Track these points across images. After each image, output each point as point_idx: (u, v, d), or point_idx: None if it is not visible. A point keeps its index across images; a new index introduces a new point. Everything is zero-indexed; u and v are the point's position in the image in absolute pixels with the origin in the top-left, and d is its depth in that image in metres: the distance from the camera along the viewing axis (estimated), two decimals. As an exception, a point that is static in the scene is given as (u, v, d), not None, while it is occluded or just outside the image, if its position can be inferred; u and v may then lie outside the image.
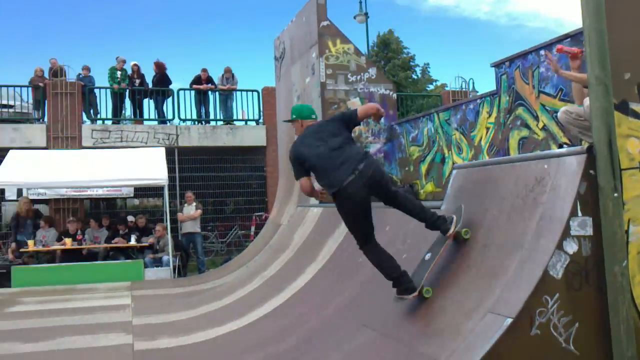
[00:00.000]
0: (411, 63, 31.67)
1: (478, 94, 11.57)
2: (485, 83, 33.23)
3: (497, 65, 8.44)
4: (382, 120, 11.43)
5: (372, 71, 11.69)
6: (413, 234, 5.98)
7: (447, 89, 21.82)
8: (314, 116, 5.62)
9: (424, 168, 10.42)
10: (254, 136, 16.98)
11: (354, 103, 11.41)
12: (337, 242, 7.72)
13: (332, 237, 7.96)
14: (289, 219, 11.14)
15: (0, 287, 11.51)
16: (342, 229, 7.73)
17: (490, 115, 8.71)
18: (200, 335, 6.92)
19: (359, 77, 11.49)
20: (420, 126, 10.62)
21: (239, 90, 17.35)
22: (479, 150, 8.91)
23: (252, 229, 16.04)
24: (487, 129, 8.77)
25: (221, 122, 17.17)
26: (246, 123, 17.43)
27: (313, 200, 10.73)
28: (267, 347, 6.01)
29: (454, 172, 5.82)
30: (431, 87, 31.97)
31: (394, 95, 11.97)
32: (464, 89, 18.36)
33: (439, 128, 10.04)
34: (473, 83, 19.29)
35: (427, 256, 5.13)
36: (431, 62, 39.00)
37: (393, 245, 6.14)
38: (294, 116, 5.56)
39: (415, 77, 31.90)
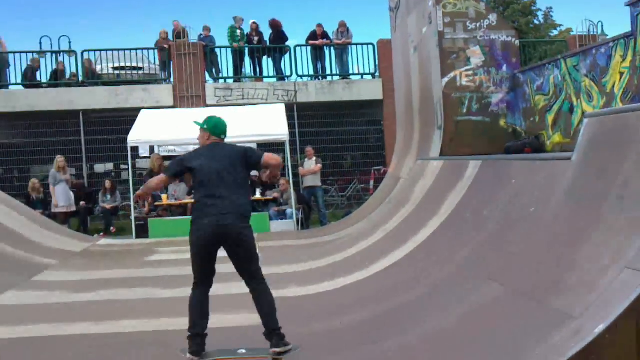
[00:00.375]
0: (532, 7, 29.90)
1: (608, 37, 10.80)
2: (617, 26, 30.71)
3: (633, 4, 7.82)
4: (505, 68, 11.03)
5: (493, 17, 11.20)
6: (540, 187, 5.78)
7: (572, 34, 20.51)
8: (223, 136, 5.42)
9: (550, 118, 9.96)
10: (371, 90, 16.92)
11: (474, 52, 11.03)
12: (459, 195, 7.61)
13: (454, 191, 7.84)
14: (409, 173, 11.09)
15: (138, 237, 12.43)
16: (465, 182, 7.62)
17: (624, 60, 8.13)
18: (326, 285, 7.14)
19: (478, 25, 11.06)
20: (546, 74, 10.11)
21: (354, 44, 17.28)
22: (611, 98, 8.38)
23: (371, 182, 16.14)
24: (621, 74, 8.20)
25: (337, 77, 17.24)
26: (362, 77, 17.37)
27: (434, 153, 10.62)
28: (392, 298, 6.10)
29: (585, 121, 5.51)
30: (555, 32, 30.07)
31: (517, 42, 11.44)
32: (592, 33, 17.19)
33: (567, 75, 9.51)
34: (602, 26, 17.91)
35: (241, 352, 5.01)
36: (554, 5, 36.58)
37: (519, 199, 5.99)
38: (205, 127, 5.35)
39: (537, 22, 30.10)
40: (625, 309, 3.63)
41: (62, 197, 13.16)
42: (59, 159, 13.34)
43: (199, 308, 5.05)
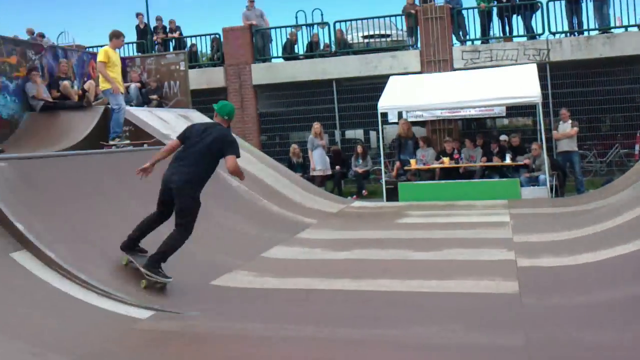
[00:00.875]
0: None
1: None
2: None
3: None
4: None
5: None
6: None
7: None
8: (226, 117, 6.40)
9: None
10: (636, 44, 15.13)
11: None
12: None
13: None
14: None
15: (389, 200, 12.85)
16: None
17: None
18: (585, 257, 6.69)
19: None
20: None
21: (615, -7, 15.58)
22: None
23: (637, 147, 14.59)
24: None
25: (596, 32, 15.75)
26: (626, 30, 15.64)
27: None
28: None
29: None
30: None
31: None
32: None
33: None
34: None
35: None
36: None
37: None
38: (215, 107, 6.44)
39: None
40: None
41: (319, 161, 14.17)
42: (316, 126, 14.30)
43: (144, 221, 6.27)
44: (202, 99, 15.98)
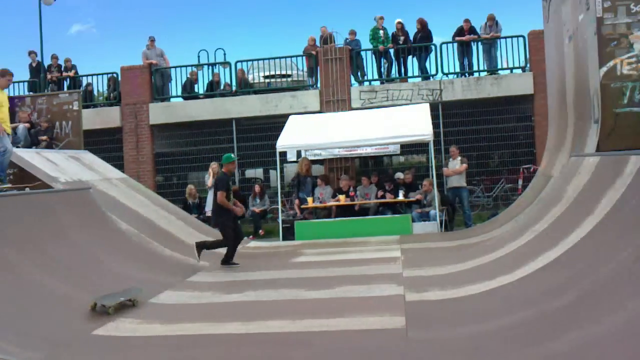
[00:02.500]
0: None
1: None
2: None
3: None
4: None
5: (660, -2, 10.20)
6: None
7: None
8: (222, 163, 10.19)
9: None
10: (521, 84, 16.13)
11: (638, 37, 10.11)
12: (617, 193, 6.98)
13: (612, 189, 7.21)
14: (561, 170, 10.42)
15: (285, 239, 12.81)
16: (625, 179, 6.99)
17: None
18: (470, 289, 6.89)
19: (644, 6, 10.12)
20: None
21: (503, 37, 16.60)
22: None
23: (520, 182, 15.40)
24: None
25: (485, 73, 16.65)
26: (511, 71, 16.64)
27: (589, 149, 9.88)
28: (541, 303, 5.74)
29: None
30: None
31: (687, 23, 10.32)
32: None
33: None
34: None
35: None
36: None
37: None
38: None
39: None
40: None
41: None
42: (213, 165, 14.14)
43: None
44: (96, 139, 15.54)
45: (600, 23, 9.98)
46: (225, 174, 9.93)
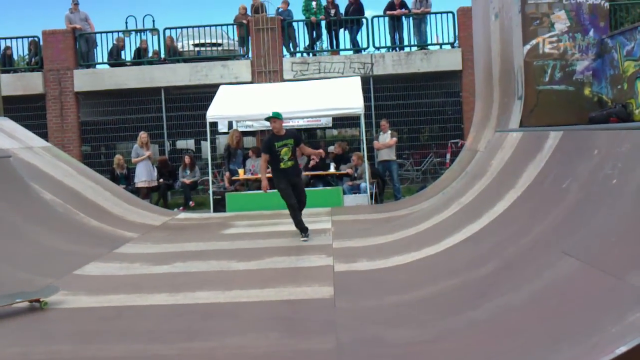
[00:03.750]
0: (628, -33, 28.04)
1: None
2: None
3: None
4: (591, 33, 10.40)
5: (581, -21, 10.56)
6: (625, 158, 5.43)
7: (672, -6, 19.10)
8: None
9: (640, 85, 9.34)
10: (449, 60, 16.45)
11: (559, 16, 10.45)
12: (538, 167, 7.28)
13: (532, 163, 7.52)
14: (486, 145, 10.75)
15: (216, 211, 12.71)
16: (544, 154, 7.29)
17: None
18: (397, 259, 7.07)
19: (565, -13, 10.45)
20: (638, 37, 9.46)
21: (433, 13, 16.83)
22: None
23: (448, 156, 15.80)
24: None
25: (415, 48, 16.87)
26: (441, 47, 16.92)
27: (513, 124, 10.22)
28: (464, 273, 5.96)
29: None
30: (652, -6, 28.09)
31: (606, 5, 10.74)
32: (692, -7, 15.98)
33: (661, 39, 8.87)
34: None
35: None
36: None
37: (601, 171, 5.65)
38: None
39: (633, -17, 28.20)
40: None
41: (144, 172, 13.61)
42: (142, 135, 13.79)
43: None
44: (17, 106, 14.89)
45: (524, 2, 10.27)
46: (271, 134, 9.19)
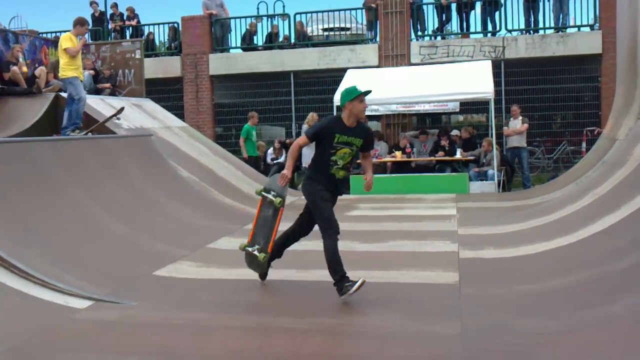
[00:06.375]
0: None
1: None
2: None
3: None
4: None
5: None
6: None
7: None
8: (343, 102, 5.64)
9: None
10: (588, 43, 15.50)
11: None
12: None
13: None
14: (627, 133, 10.10)
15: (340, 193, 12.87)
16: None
17: None
18: (526, 249, 6.86)
19: None
20: None
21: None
22: None
23: (583, 144, 14.98)
24: None
25: (551, 31, 16.08)
26: (579, 29, 16.01)
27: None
28: (599, 266, 5.68)
29: None
30: None
31: None
32: None
33: None
34: None
35: None
36: None
37: None
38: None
39: None
40: None
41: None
42: (315, 116, 13.92)
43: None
44: (157, 89, 15.83)
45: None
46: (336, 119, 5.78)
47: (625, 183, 7.93)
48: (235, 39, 18.03)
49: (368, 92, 5.62)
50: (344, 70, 14.89)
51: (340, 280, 5.32)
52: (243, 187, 11.26)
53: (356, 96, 5.51)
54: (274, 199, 5.82)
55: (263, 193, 5.96)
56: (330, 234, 5.50)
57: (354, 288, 5.21)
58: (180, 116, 15.51)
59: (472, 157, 13.09)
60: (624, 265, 5.40)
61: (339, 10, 17.39)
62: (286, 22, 17.81)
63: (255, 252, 5.84)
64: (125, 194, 8.13)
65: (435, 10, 16.70)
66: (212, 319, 5.00)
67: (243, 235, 8.30)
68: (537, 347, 4.23)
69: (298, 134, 17.16)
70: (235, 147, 15.86)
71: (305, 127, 14.10)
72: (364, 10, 17.31)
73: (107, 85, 13.28)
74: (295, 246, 7.62)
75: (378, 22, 16.68)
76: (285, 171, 5.69)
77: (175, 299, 5.61)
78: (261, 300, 5.59)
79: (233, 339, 4.58)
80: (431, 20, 16.84)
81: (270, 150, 15.01)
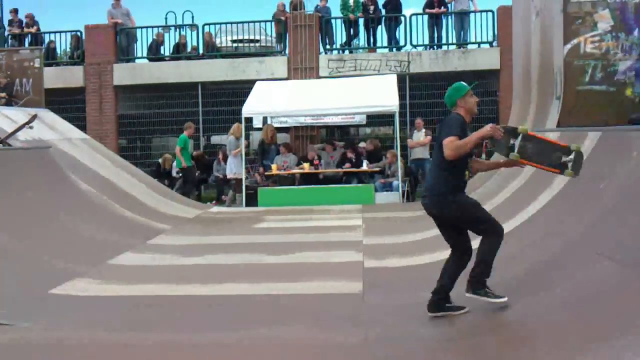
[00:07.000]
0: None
1: None
2: None
3: None
4: (636, 33, 10.12)
5: (627, -23, 10.30)
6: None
7: None
8: (451, 107, 5.21)
9: (684, 86, 9.10)
10: (488, 59, 16.21)
11: (602, 16, 10.21)
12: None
13: (569, 163, 7.40)
14: (523, 145, 10.58)
15: (248, 205, 12.80)
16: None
17: None
18: (429, 257, 7.00)
19: (609, -15, 10.22)
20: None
21: (472, 11, 16.62)
22: None
23: (483, 156, 15.55)
24: None
25: (453, 47, 16.70)
26: (479, 46, 16.72)
27: (550, 125, 10.05)
28: (495, 271, 5.87)
29: None
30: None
31: (654, 3, 10.46)
32: None
33: None
34: None
35: None
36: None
37: (639, 173, 5.54)
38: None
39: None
40: None
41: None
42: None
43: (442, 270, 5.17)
44: (58, 99, 15.20)
45: (567, 1, 10.06)
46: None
47: (520, 193, 8.30)
48: (141, 48, 17.58)
49: (475, 84, 5.31)
50: (253, 82, 14.84)
51: (484, 283, 4.90)
52: (147, 200, 10.95)
53: (467, 91, 5.15)
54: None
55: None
56: (499, 235, 5.00)
57: (497, 301, 4.82)
58: (82, 128, 14.92)
59: (377, 169, 13.35)
60: (517, 272, 5.63)
61: (249, 22, 17.35)
62: (195, 32, 17.56)
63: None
64: (21, 210, 7.70)
65: (343, 25, 16.96)
66: (110, 339, 4.79)
67: (145, 250, 8.09)
68: (440, 353, 4.32)
69: (207, 146, 16.97)
70: (140, 159, 15.45)
71: (231, 138, 13.96)
72: (273, 23, 17.36)
73: (3, 94, 12.62)
74: (201, 260, 7.53)
75: (287, 34, 16.76)
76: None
77: (72, 319, 5.34)
78: (163, 316, 5.41)
79: (134, 357, 4.41)
80: (339, 34, 17.11)
81: (175, 164, 14.67)
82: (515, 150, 4.81)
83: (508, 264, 5.94)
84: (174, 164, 14.65)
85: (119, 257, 7.59)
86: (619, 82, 10.03)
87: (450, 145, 4.71)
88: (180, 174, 14.25)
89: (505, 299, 4.81)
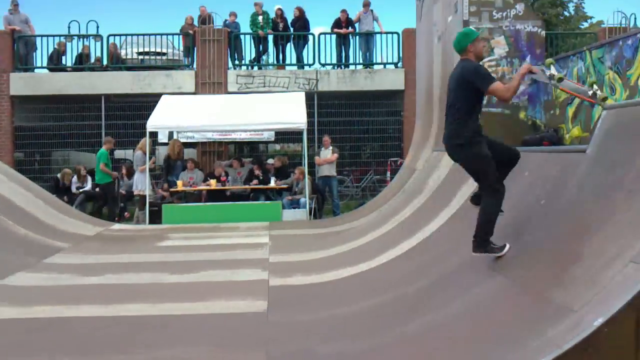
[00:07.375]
0: (563, -1, 29.09)
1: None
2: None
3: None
4: (528, 59, 10.76)
5: (520, 7, 10.93)
6: (553, 180, 5.64)
7: (603, 26, 20.02)
8: (461, 53, 5.38)
9: (571, 111, 9.72)
10: (393, 80, 16.71)
11: (498, 42, 10.80)
12: (471, 187, 7.47)
13: (466, 183, 7.71)
14: (424, 164, 10.95)
15: (152, 223, 12.45)
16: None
17: (651, 52, 7.89)
18: (332, 274, 7.09)
19: (504, 14, 10.80)
20: (570, 65, 9.87)
21: (378, 33, 17.09)
22: (634, 91, 8.14)
23: (388, 174, 15.99)
24: (646, 67, 7.97)
25: (360, 66, 17.08)
26: (385, 67, 17.19)
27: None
28: (397, 288, 6.03)
29: (604, 113, 5.34)
30: (585, 24, 29.25)
31: (543, 33, 11.15)
32: (623, 25, 16.75)
33: (591, 67, 9.27)
34: (635, 18, 17.51)
35: None
36: (586, -4, 35.38)
37: (531, 192, 5.86)
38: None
39: (567, 14, 29.27)
40: (626, 302, 3.53)
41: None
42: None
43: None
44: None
45: (466, 26, 10.56)
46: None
47: (423, 210, 8.56)
48: (41, 58, 16.84)
49: (476, 33, 5.37)
50: (159, 95, 14.54)
51: (487, 240, 5.23)
52: (44, 217, 10.43)
53: (477, 36, 5.32)
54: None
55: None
56: (501, 195, 5.25)
57: (501, 253, 5.21)
58: (-27, 140, 14.08)
59: (285, 186, 13.39)
60: (416, 287, 5.79)
61: (156, 35, 17.00)
62: (99, 43, 16.99)
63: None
64: None
65: (252, 41, 16.98)
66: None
67: (40, 269, 7.70)
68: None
69: (112, 160, 16.40)
70: (38, 173, 14.74)
71: (138, 153, 13.55)
72: (181, 36, 17.12)
73: None
74: (101, 280, 7.24)
75: (195, 48, 16.58)
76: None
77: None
78: (58, 339, 5.15)
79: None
80: (249, 50, 17.10)
81: (75, 179, 14.10)
82: (555, 79, 5.61)
83: (409, 279, 6.12)
84: (74, 179, 14.08)
85: (11, 277, 7.18)
86: (514, 105, 10.62)
87: (503, 88, 5.12)
88: (81, 190, 13.74)
89: (508, 247, 5.23)
